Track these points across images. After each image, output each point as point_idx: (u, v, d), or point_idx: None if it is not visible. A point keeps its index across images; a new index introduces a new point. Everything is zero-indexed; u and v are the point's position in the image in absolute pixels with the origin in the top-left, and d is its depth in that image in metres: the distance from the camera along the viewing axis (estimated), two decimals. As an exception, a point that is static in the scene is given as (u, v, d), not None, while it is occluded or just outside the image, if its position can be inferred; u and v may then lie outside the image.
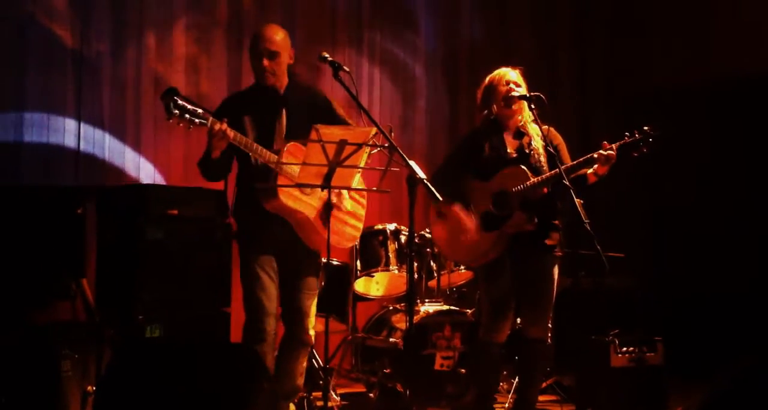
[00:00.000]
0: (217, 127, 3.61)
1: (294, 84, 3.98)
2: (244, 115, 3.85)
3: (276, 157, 3.70)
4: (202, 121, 3.60)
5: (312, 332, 3.98)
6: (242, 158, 3.87)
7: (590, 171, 4.00)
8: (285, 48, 3.90)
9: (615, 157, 3.94)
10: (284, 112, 3.90)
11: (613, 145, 3.95)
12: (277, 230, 3.84)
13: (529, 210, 4.02)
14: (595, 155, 3.94)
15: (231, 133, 3.65)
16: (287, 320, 3.98)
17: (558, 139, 4.16)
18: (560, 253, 4.14)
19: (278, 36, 3.88)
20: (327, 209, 3.67)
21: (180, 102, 3.55)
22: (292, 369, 3.97)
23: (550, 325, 4.23)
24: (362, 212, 4.11)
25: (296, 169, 3.63)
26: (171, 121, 3.57)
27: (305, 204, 3.80)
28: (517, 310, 4.18)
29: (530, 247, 4.06)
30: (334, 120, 3.94)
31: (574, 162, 3.98)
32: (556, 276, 4.11)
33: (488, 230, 4.05)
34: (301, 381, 4.03)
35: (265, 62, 3.84)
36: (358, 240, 4.27)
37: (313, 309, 3.98)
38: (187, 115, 3.56)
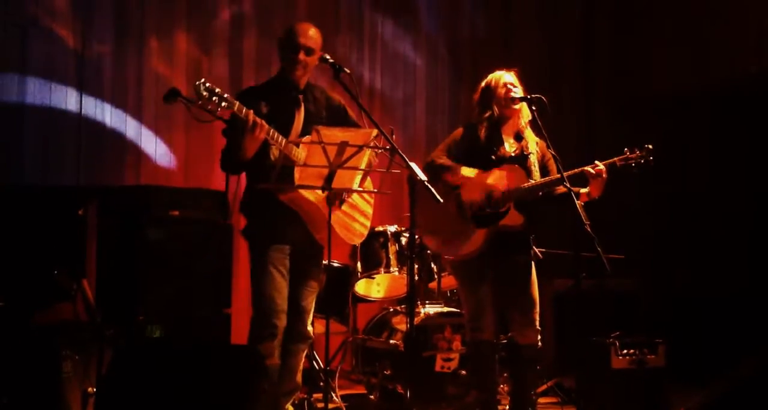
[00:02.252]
0: (252, 117, 3.57)
1: (312, 85, 3.99)
2: (262, 105, 3.80)
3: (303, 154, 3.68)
4: (229, 104, 3.55)
5: (310, 327, 3.98)
6: (259, 154, 3.78)
7: (584, 191, 4.04)
8: (319, 47, 3.88)
9: (605, 174, 3.99)
10: (302, 106, 3.90)
11: (603, 164, 4.00)
12: (290, 227, 3.83)
13: (522, 211, 4.05)
14: (587, 168, 4.00)
15: (266, 126, 3.62)
16: (290, 316, 3.94)
17: (548, 152, 4.17)
18: (535, 251, 4.18)
19: (316, 35, 3.87)
20: (329, 208, 3.66)
21: (208, 84, 3.50)
22: (293, 365, 3.97)
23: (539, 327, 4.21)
24: (370, 210, 4.10)
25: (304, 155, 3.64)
26: (200, 103, 3.51)
27: (317, 195, 3.77)
28: (500, 309, 4.18)
29: (512, 247, 4.09)
30: (347, 125, 3.92)
31: (569, 172, 3.98)
32: (535, 277, 4.15)
33: (479, 226, 4.06)
34: (300, 377, 4.03)
35: (302, 55, 3.82)
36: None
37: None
38: (215, 98, 3.50)
